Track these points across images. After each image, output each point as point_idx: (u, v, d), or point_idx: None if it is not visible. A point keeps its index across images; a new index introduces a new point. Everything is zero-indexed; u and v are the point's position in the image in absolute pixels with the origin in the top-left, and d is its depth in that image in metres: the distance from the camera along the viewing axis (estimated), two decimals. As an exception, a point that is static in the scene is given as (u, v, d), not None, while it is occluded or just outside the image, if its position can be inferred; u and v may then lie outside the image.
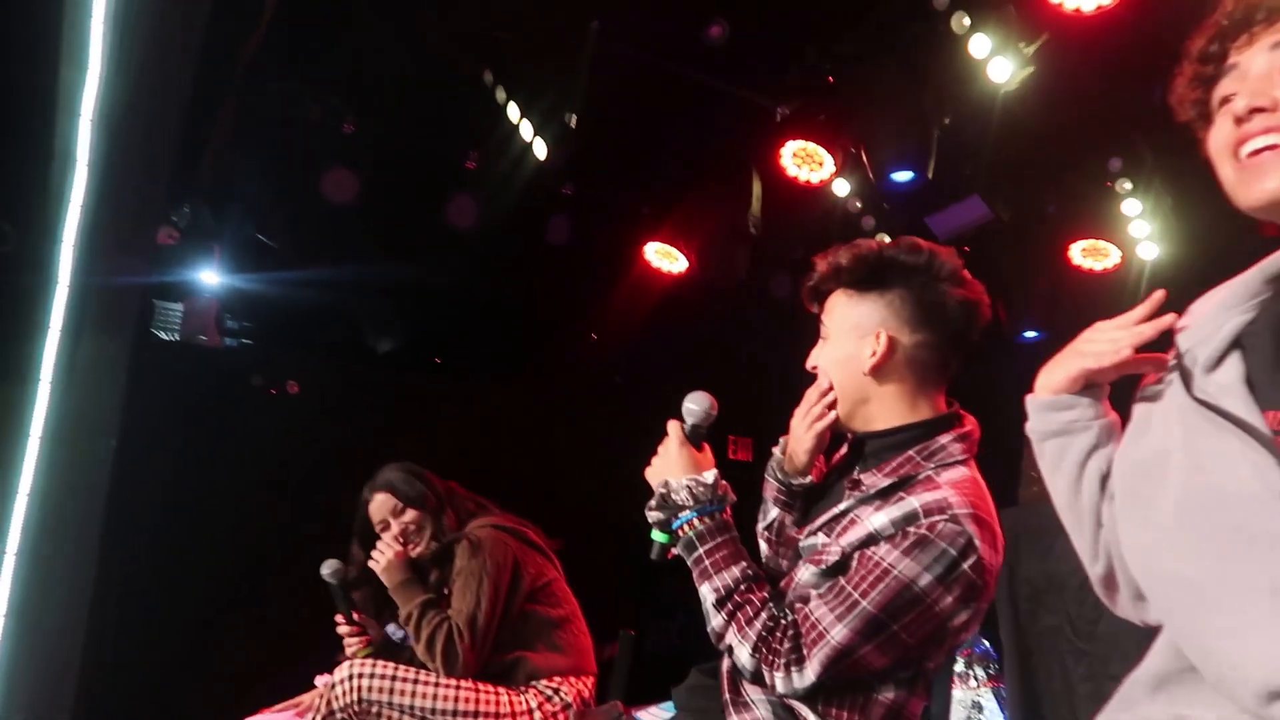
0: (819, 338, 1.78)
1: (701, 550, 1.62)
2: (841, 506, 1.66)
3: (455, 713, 2.38)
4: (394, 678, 2.39)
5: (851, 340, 1.70)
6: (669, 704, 1.79)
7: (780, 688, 1.52)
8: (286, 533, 4.34)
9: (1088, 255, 5.32)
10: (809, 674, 1.49)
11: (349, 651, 2.68)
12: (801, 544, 1.70)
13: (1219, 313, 1.13)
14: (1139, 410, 1.18)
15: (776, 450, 1.79)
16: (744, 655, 1.54)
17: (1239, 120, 1.07)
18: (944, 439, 1.66)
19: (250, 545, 4.33)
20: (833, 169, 4.53)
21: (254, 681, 3.54)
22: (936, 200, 4.98)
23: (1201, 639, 0.99)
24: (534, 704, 2.47)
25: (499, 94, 4.40)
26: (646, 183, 5.25)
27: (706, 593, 1.61)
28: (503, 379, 5.97)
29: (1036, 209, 5.20)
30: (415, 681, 2.40)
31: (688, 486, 1.65)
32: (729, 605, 1.58)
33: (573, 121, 4.35)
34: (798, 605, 1.58)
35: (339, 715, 2.37)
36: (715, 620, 1.59)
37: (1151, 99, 4.49)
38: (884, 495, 1.61)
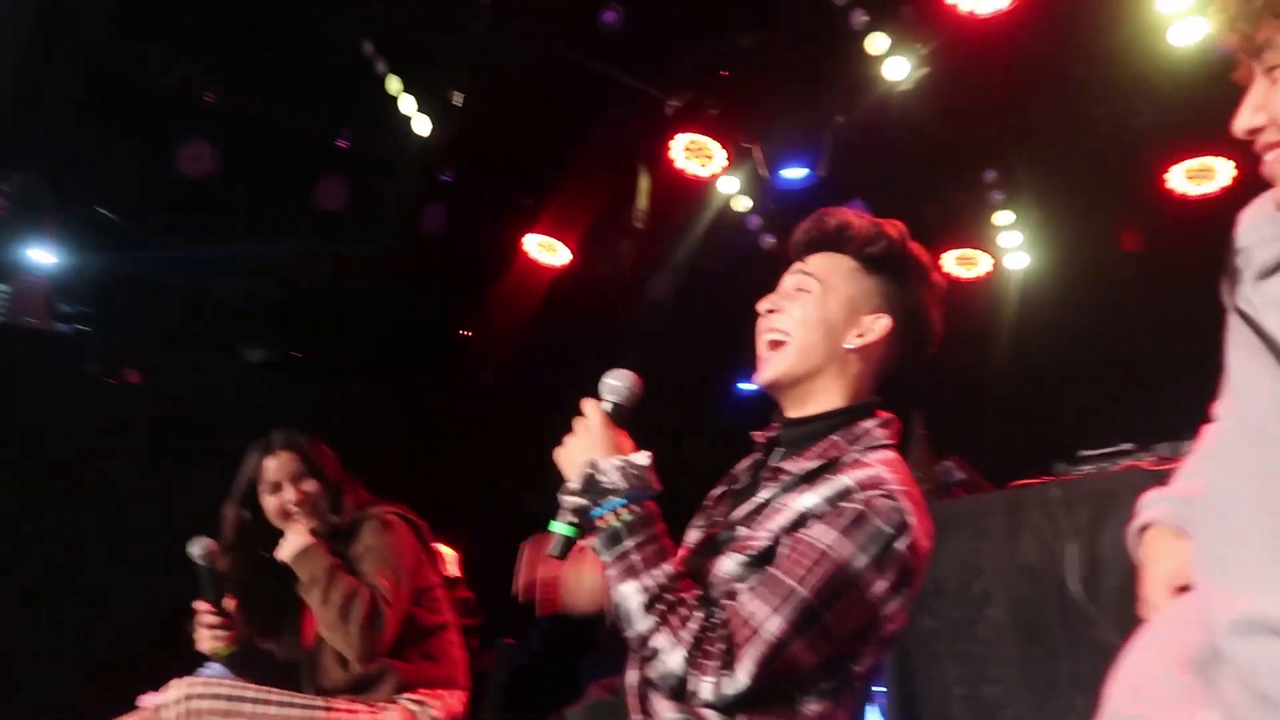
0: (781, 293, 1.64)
1: (629, 543, 1.41)
2: (763, 496, 1.53)
3: (306, 734, 2.12)
4: (234, 698, 2.07)
5: (844, 310, 1.59)
6: None
7: (707, 696, 1.34)
8: (111, 535, 3.95)
9: (960, 263, 5.46)
10: (740, 678, 1.33)
11: (207, 647, 2.31)
12: (718, 538, 1.56)
13: None
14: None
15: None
16: (675, 661, 1.35)
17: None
18: (867, 424, 1.58)
19: (65, 548, 3.89)
20: (724, 163, 4.46)
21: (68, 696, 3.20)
22: (821, 200, 4.99)
23: (1205, 563, 1.00)
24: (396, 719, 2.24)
25: (379, 67, 4.12)
26: (529, 171, 5.06)
27: (631, 592, 1.39)
28: (368, 375, 5.66)
29: (914, 215, 5.28)
30: (260, 701, 2.10)
31: (620, 468, 1.45)
32: (660, 606, 1.38)
33: (459, 100, 4.14)
34: (724, 602, 1.43)
35: (169, 745, 2.06)
36: (641, 624, 1.38)
37: (1028, 113, 4.66)
38: (810, 479, 1.50)
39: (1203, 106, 4.22)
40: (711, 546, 1.57)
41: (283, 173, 4.72)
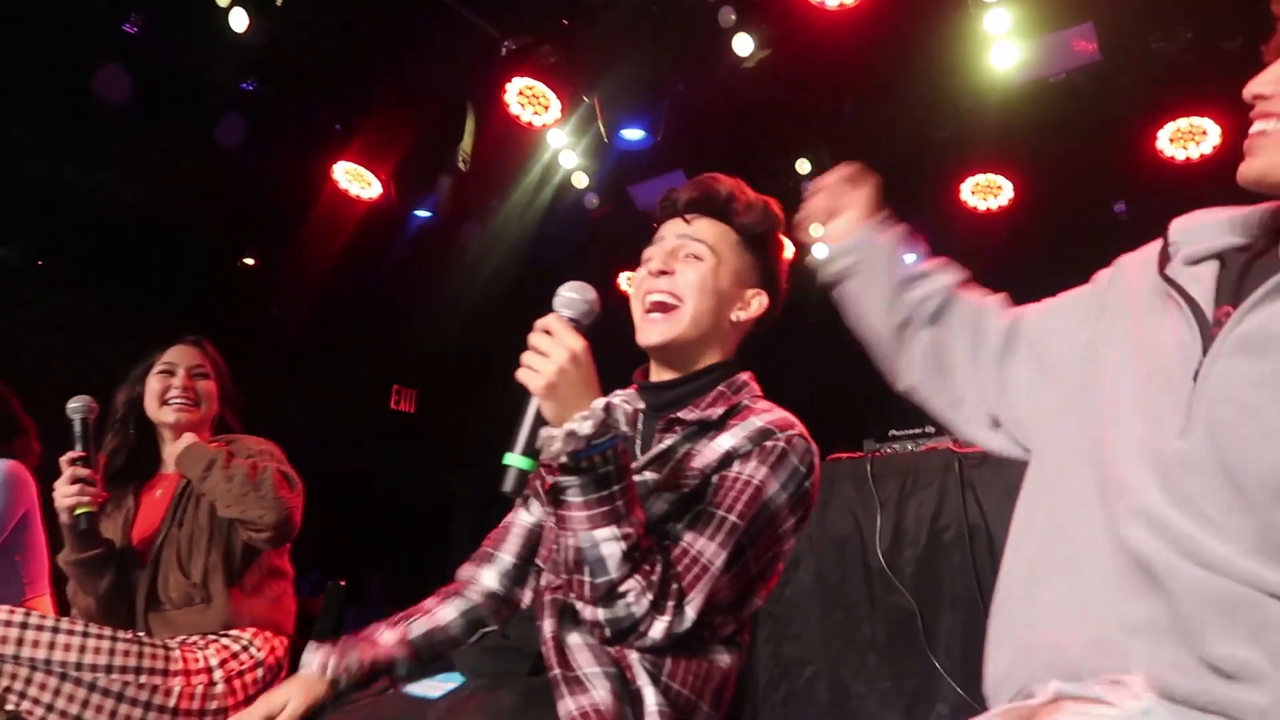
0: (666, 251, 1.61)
1: (616, 487, 1.31)
2: (666, 444, 1.52)
3: (109, 668, 1.86)
4: (24, 625, 1.81)
5: (731, 281, 1.62)
6: (447, 674, 1.51)
7: (657, 635, 1.30)
8: None
9: (766, 247, 5.67)
10: (689, 614, 1.32)
11: (66, 501, 2.07)
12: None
13: (1219, 228, 1.21)
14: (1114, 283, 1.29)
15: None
16: (642, 606, 1.30)
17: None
18: (743, 376, 1.65)
19: None
20: (558, 114, 4.36)
21: None
22: (651, 166, 5.01)
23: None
24: (215, 660, 2.01)
25: (192, -53, 3.67)
26: (347, 92, 4.71)
27: (608, 537, 1.30)
28: (134, 297, 5.10)
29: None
30: (55, 630, 1.83)
31: (623, 408, 1.32)
32: (635, 554, 1.31)
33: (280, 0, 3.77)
34: (666, 543, 1.40)
35: (-55, 676, 1.76)
36: (616, 571, 1.30)
37: (842, 109, 4.90)
38: (718, 425, 1.52)
39: (1001, 124, 4.63)
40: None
41: (57, 53, 4.12)
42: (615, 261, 5.88)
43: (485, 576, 1.66)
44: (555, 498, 1.35)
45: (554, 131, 4.68)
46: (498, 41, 4.49)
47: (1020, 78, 4.02)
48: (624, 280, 6.07)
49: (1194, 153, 4.53)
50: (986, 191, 5.00)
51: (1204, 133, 4.51)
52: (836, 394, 3.98)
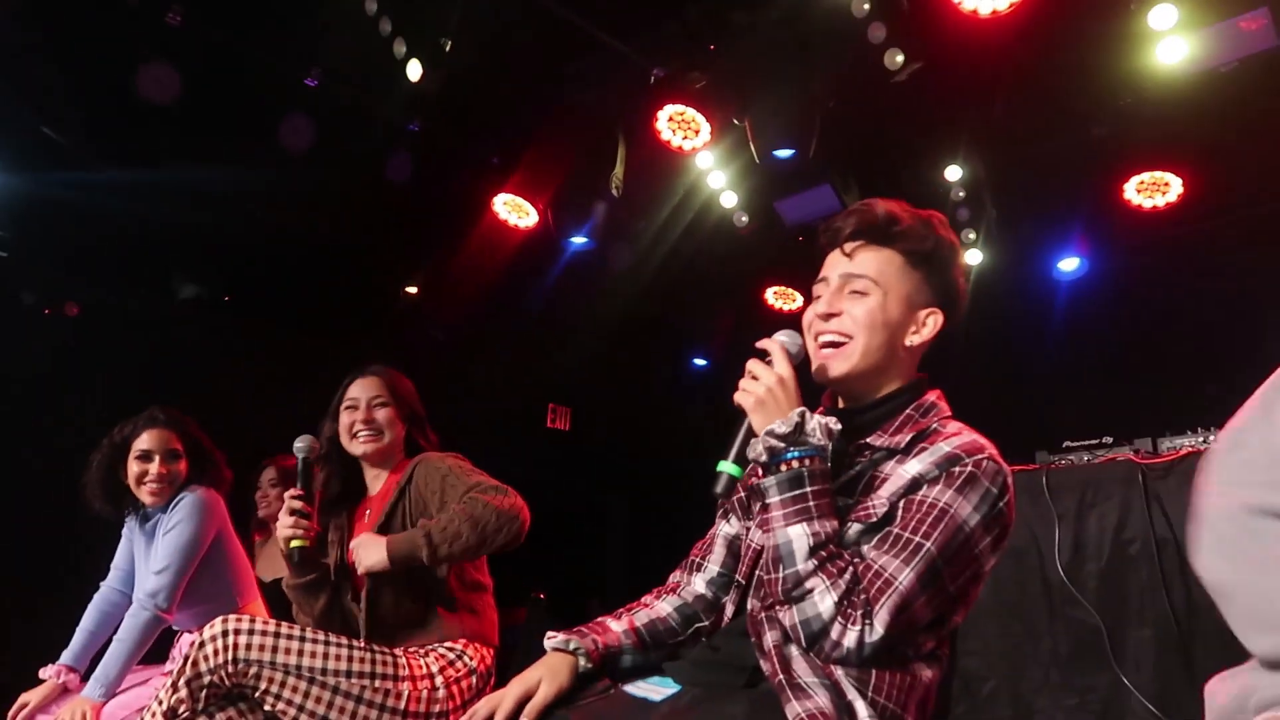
0: (824, 282, 1.67)
1: (810, 489, 1.47)
2: (857, 468, 1.59)
3: (349, 673, 2.06)
4: (277, 634, 2.03)
5: (901, 308, 1.63)
6: (661, 678, 1.61)
7: (851, 644, 1.38)
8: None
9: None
10: (878, 627, 1.39)
11: (284, 532, 2.29)
12: None
13: None
14: None
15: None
16: (826, 606, 1.40)
17: None
18: (930, 396, 1.67)
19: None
20: (708, 137, 4.46)
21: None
22: (787, 184, 5.06)
23: None
24: (435, 668, 2.19)
25: (369, 4, 3.95)
26: (504, 128, 4.94)
27: (799, 534, 1.44)
28: (311, 325, 5.49)
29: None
30: (302, 639, 2.04)
31: (825, 425, 1.50)
32: (822, 553, 1.43)
33: (448, 46, 4.01)
34: (855, 561, 1.47)
35: (208, 679, 1.98)
36: (803, 565, 1.42)
37: (993, 115, 4.81)
38: (906, 450, 1.57)
39: (1163, 121, 4.46)
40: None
41: (246, 105, 4.50)
42: (763, 276, 5.95)
43: (696, 581, 1.77)
44: (760, 500, 1.51)
45: (704, 154, 4.78)
46: (647, 70, 4.63)
47: (1188, 70, 3.87)
48: (771, 295, 6.12)
49: (1384, 138, 4.25)
50: (1153, 189, 4.82)
51: (1396, 116, 4.22)
52: (1004, 405, 3.92)
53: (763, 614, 1.51)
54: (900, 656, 1.47)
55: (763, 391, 1.51)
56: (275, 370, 5.30)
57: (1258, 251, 4.44)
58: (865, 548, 1.49)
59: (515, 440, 6.53)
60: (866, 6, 3.83)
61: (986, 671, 3.00)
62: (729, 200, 5.01)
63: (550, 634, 1.67)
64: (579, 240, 5.08)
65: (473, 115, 4.79)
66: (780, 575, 1.44)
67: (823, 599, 1.41)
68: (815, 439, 1.49)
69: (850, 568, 1.43)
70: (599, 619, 1.72)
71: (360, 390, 2.54)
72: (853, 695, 1.41)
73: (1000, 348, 5.14)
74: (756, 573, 1.59)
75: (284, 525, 2.31)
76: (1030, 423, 3.75)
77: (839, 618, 1.40)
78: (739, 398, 1.54)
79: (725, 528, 1.79)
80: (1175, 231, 4.72)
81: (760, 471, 1.51)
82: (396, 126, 4.81)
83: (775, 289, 6.03)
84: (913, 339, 1.65)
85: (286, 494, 2.35)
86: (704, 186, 5.00)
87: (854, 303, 1.63)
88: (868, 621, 1.40)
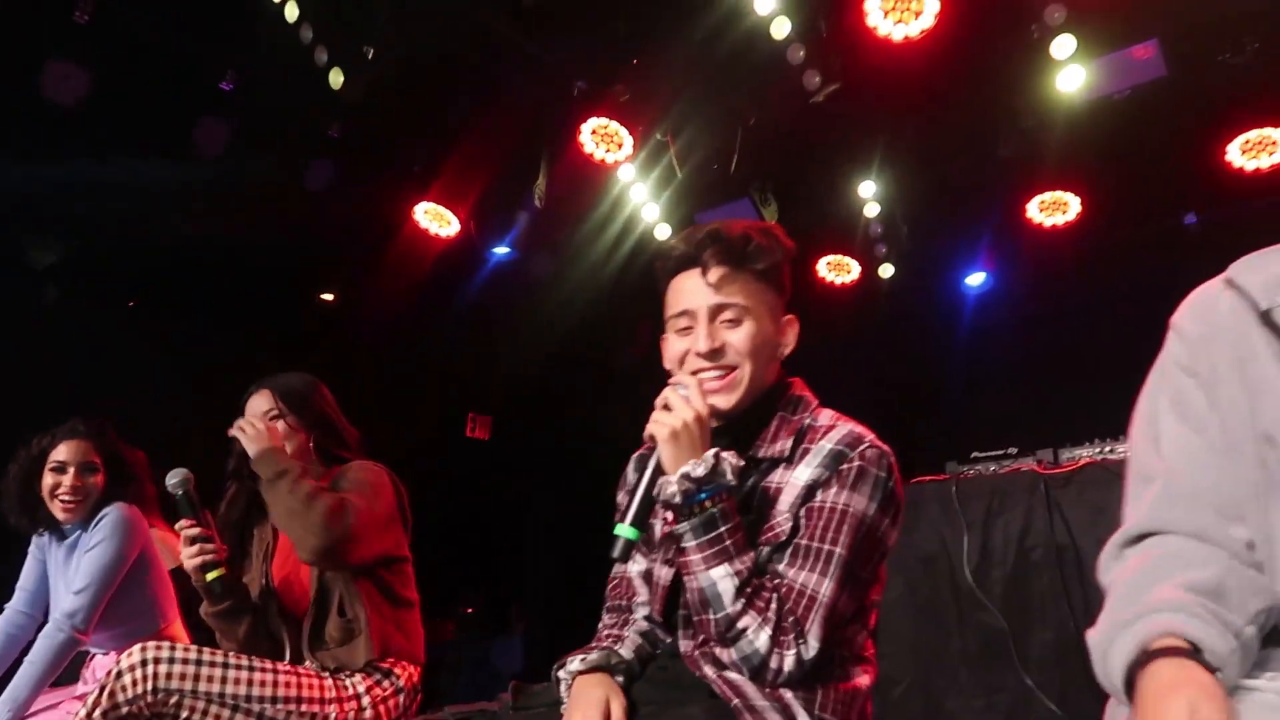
0: (690, 315, 1.63)
1: (724, 528, 1.48)
2: (749, 484, 1.60)
3: (275, 699, 2.03)
4: (199, 661, 1.99)
5: (769, 324, 1.65)
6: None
7: (790, 668, 1.44)
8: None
9: (832, 269, 5.77)
10: (813, 643, 1.45)
11: (192, 562, 2.19)
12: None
13: None
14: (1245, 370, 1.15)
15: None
16: (761, 641, 1.44)
17: None
18: (793, 391, 1.70)
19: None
20: (630, 150, 4.51)
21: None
22: (709, 197, 5.15)
23: None
24: (362, 688, 2.17)
25: (289, 10, 3.89)
26: (425, 136, 4.91)
27: (722, 575, 1.46)
28: (223, 331, 5.37)
29: (790, 220, 5.49)
30: (225, 665, 2.01)
31: (732, 464, 1.51)
32: (748, 590, 1.46)
33: (370, 54, 3.98)
34: (774, 583, 1.51)
35: (126, 710, 1.93)
36: (731, 607, 1.45)
37: (906, 135, 4.99)
38: (791, 458, 1.60)
39: (1063, 144, 4.69)
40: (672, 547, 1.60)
41: (159, 107, 4.38)
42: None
43: (638, 620, 1.74)
44: (676, 545, 1.52)
45: (626, 167, 4.84)
46: (571, 82, 4.66)
47: (1086, 96, 4.08)
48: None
49: (1264, 163, 4.54)
50: (1054, 208, 5.05)
51: (1275, 143, 4.52)
52: (917, 416, 4.07)
53: (697, 652, 1.55)
54: (841, 666, 1.54)
55: (678, 424, 1.50)
56: (185, 376, 5.16)
57: (1150, 267, 4.70)
58: (780, 565, 1.53)
59: (434, 450, 6.48)
60: (787, 29, 3.93)
61: (899, 674, 3.12)
62: (650, 213, 5.07)
63: (569, 660, 1.62)
64: (501, 250, 5.08)
65: (395, 123, 4.75)
66: (712, 618, 1.47)
67: (757, 635, 1.45)
68: (726, 478, 1.50)
69: (774, 595, 1.47)
70: (598, 644, 1.68)
71: (253, 406, 2.44)
72: (801, 715, 1.47)
73: (913, 360, 5.32)
74: (682, 612, 1.60)
75: (189, 556, 2.21)
76: (941, 433, 3.90)
77: (775, 649, 1.45)
78: (652, 429, 1.52)
79: (635, 565, 1.78)
80: (1074, 249, 4.96)
81: (673, 515, 1.51)
82: (317, 133, 4.74)
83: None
84: (783, 350, 1.69)
85: (177, 526, 2.26)
86: (626, 199, 5.05)
87: (730, 331, 1.63)
88: (802, 642, 1.46)
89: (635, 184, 5.00)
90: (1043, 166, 4.91)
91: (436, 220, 5.09)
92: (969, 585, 3.00)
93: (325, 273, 5.89)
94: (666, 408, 1.53)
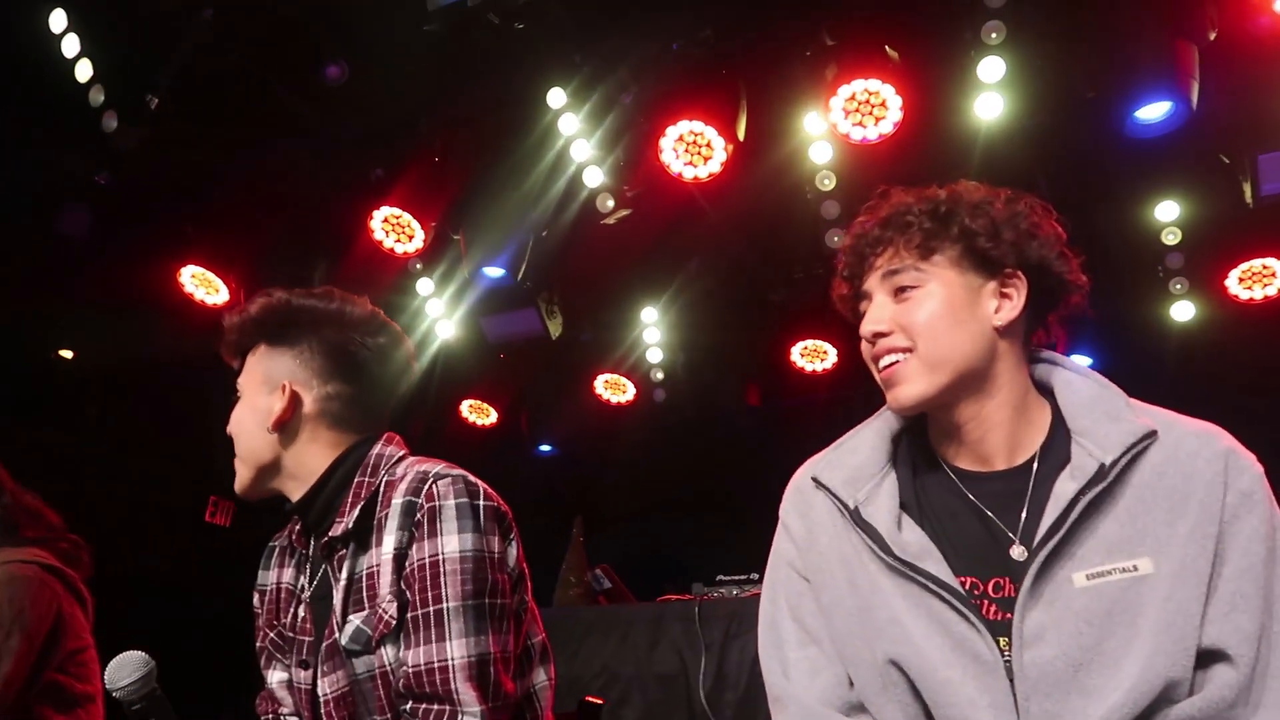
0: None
1: None
2: (344, 574, 1.50)
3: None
4: None
5: (261, 396, 1.61)
6: None
7: None
8: None
9: (609, 388, 5.88)
10: (468, 704, 1.32)
11: None
12: (345, 642, 1.47)
13: (867, 475, 1.35)
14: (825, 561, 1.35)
15: None
16: None
17: (868, 341, 1.35)
18: (376, 449, 1.60)
19: None
20: (420, 245, 4.47)
21: None
22: (495, 303, 5.16)
23: None
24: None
25: (67, 43, 3.65)
26: (202, 197, 4.66)
27: None
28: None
29: (572, 336, 5.57)
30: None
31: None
32: None
33: (153, 104, 3.78)
34: (400, 672, 1.42)
35: None
36: None
37: (688, 270, 5.26)
38: (364, 529, 1.51)
39: (827, 296, 5.08)
40: (338, 654, 1.50)
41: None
42: (461, 390, 5.93)
43: None
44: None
45: (414, 260, 4.78)
46: (368, 168, 4.61)
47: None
48: (466, 408, 6.11)
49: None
50: (814, 355, 5.42)
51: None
52: (669, 541, 4.14)
53: None
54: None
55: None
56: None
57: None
58: (403, 653, 1.41)
59: (169, 534, 5.93)
60: (587, 152, 4.10)
61: (627, 798, 3.07)
62: (434, 309, 5.01)
63: None
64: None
65: (170, 178, 4.49)
66: None
67: None
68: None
69: (410, 699, 1.38)
70: None
71: None
72: None
73: (678, 485, 5.46)
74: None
75: None
76: (693, 556, 3.99)
77: None
78: None
79: (276, 675, 1.65)
80: (829, 394, 5.32)
81: None
82: (81, 176, 4.40)
83: (471, 403, 6.03)
84: (272, 416, 1.62)
85: None
86: (412, 292, 4.98)
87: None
88: (456, 712, 1.35)
89: (422, 278, 4.95)
90: (807, 314, 5.30)
91: (204, 286, 4.80)
92: (703, 708, 3.02)
93: (68, 327, 5.39)
94: None
